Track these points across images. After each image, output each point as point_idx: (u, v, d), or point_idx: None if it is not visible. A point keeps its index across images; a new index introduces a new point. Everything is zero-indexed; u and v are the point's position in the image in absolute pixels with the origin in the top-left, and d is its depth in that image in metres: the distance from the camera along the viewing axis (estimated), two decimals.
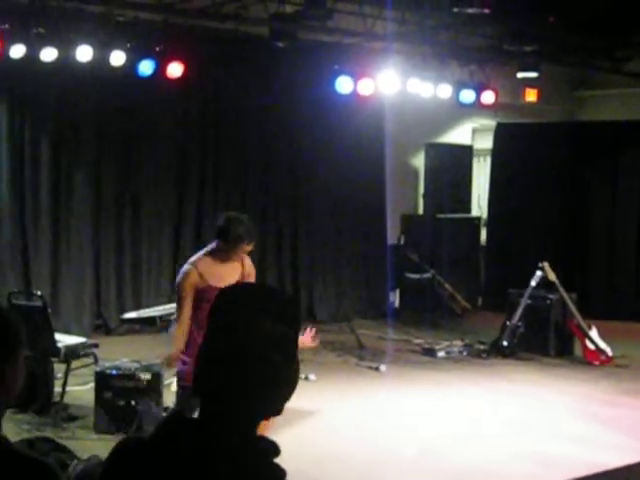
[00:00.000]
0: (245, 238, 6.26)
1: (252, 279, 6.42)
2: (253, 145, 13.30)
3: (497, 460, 7.40)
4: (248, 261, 6.54)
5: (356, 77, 12.28)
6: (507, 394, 9.68)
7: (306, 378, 9.50)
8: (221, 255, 6.30)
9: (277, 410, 2.22)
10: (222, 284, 5.79)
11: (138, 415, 7.50)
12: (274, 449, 2.17)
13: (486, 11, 11.30)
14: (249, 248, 6.39)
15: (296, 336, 2.25)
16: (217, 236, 6.34)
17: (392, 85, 12.46)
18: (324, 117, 13.42)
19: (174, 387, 8.32)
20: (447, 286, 13.34)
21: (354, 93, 12.44)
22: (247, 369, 2.16)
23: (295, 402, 2.31)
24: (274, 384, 2.18)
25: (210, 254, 6.33)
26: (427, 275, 13.41)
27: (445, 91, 13.11)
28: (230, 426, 2.16)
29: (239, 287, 2.46)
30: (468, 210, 15.75)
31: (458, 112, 14.85)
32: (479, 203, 16.14)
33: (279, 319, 2.20)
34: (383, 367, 10.57)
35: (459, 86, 13.25)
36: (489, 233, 15.96)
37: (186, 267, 6.30)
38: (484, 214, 16.04)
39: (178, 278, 6.33)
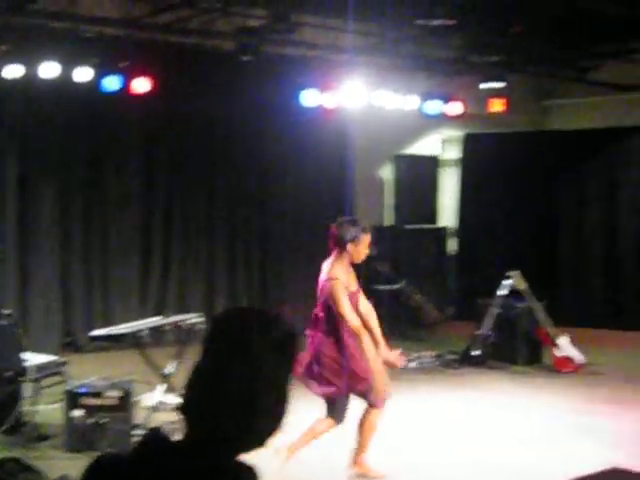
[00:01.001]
0: (362, 234, 6.78)
1: None
2: (219, 159, 13.31)
3: (476, 474, 7.42)
4: None
5: (321, 90, 12.33)
6: (479, 403, 9.73)
7: None
8: (346, 261, 6.77)
9: (260, 442, 2.20)
10: (355, 288, 6.74)
11: (108, 433, 7.48)
12: (253, 475, 2.17)
13: (450, 23, 11.42)
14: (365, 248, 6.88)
15: (288, 371, 2.24)
16: (337, 244, 6.78)
17: (357, 97, 12.51)
18: (290, 130, 13.44)
19: (144, 404, 8.37)
20: (417, 297, 13.40)
21: (319, 106, 12.51)
22: (233, 397, 2.15)
23: None
24: (259, 415, 2.17)
25: (339, 263, 6.77)
26: (397, 286, 13.44)
27: (411, 103, 13.21)
28: (209, 450, 2.15)
29: (244, 312, 2.35)
30: (434, 221, 15.83)
31: (425, 123, 14.92)
32: (446, 214, 16.23)
33: (276, 352, 2.20)
34: None
35: (425, 97, 13.34)
36: (459, 243, 16.09)
37: (333, 283, 6.69)
38: (451, 224, 16.16)
39: (334, 296, 6.65)
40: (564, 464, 7.43)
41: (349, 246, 6.79)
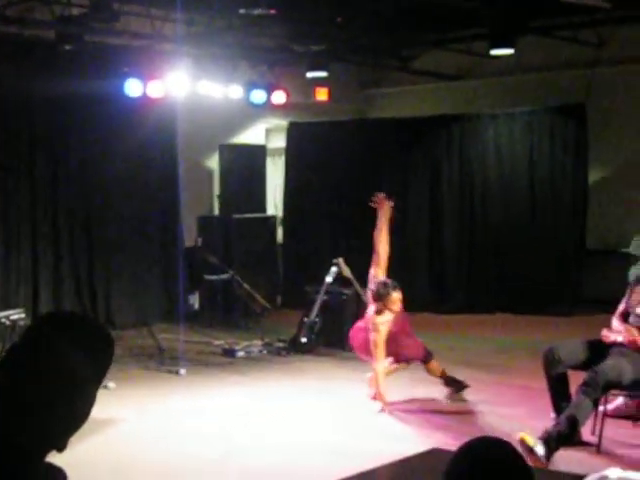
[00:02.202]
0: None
1: None
2: (40, 151, 13.03)
3: (301, 455, 7.56)
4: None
5: (145, 79, 12.23)
6: (305, 389, 9.84)
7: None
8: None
9: (60, 444, 2.15)
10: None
11: None
12: (61, 476, 2.16)
13: (272, 12, 11.55)
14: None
15: (96, 374, 2.20)
16: None
17: (182, 87, 12.48)
18: (114, 121, 13.24)
19: None
20: (246, 286, 13.34)
21: (144, 95, 12.39)
22: (25, 392, 2.09)
23: (94, 412, 2.25)
24: (56, 416, 2.11)
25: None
26: (226, 276, 13.39)
27: (236, 92, 13.27)
28: (12, 448, 2.07)
29: (50, 315, 2.28)
30: (264, 209, 15.88)
31: (250, 112, 14.95)
32: (275, 202, 16.32)
33: (85, 353, 2.15)
34: (183, 371, 10.53)
35: (250, 87, 13.40)
36: (285, 232, 16.16)
37: None
38: (280, 213, 16.25)
39: None
40: (389, 446, 7.56)
41: None
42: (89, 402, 2.17)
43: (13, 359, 2.14)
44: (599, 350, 7.23)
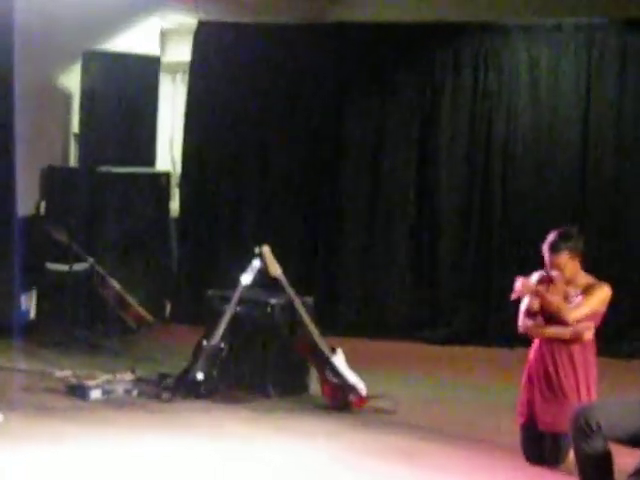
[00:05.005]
0: None
1: None
2: None
3: None
4: None
5: None
6: (195, 466, 9.42)
7: None
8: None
9: None
10: None
11: None
12: None
13: None
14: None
15: None
16: None
17: None
18: None
19: None
20: (114, 284, 13.42)
21: None
22: None
23: None
24: None
25: None
26: (82, 266, 13.50)
27: None
28: None
29: None
30: (151, 162, 15.81)
31: (137, 4, 15.22)
32: (171, 151, 16.51)
33: None
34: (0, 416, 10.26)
35: None
36: (184, 198, 16.22)
37: None
38: (177, 168, 16.35)
39: None
40: None
41: None
42: None
43: None
44: None
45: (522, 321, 9.49)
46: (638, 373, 13.51)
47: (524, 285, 9.36)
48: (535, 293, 9.36)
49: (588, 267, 9.48)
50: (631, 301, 14.10)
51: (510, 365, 12.81)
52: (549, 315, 9.36)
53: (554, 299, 9.29)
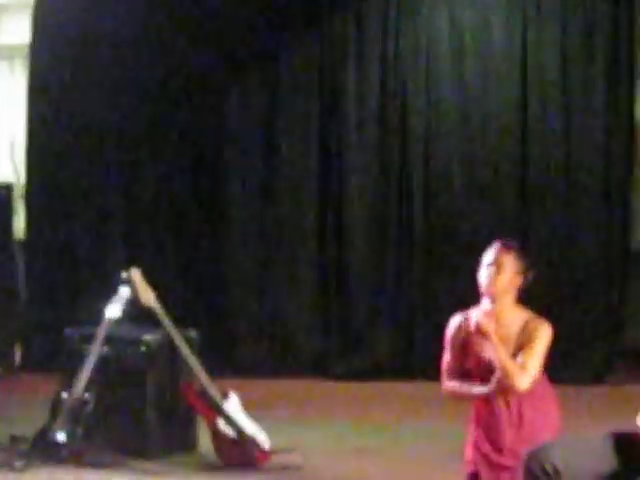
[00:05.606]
0: None
1: None
2: None
3: None
4: None
5: None
6: None
7: None
8: None
9: None
10: None
11: None
12: None
13: None
14: None
15: None
16: None
17: None
18: None
19: None
20: None
21: None
22: None
23: None
24: None
25: None
26: None
27: None
28: None
29: None
30: None
31: None
32: (12, 157, 16.25)
33: None
34: None
35: None
36: (31, 217, 15.82)
37: None
38: (21, 179, 16.00)
39: None
40: None
41: None
42: None
43: None
44: (634, 455, 7.26)
45: (446, 383, 9.17)
46: (587, 400, 13.67)
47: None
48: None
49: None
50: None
51: (442, 402, 11.65)
52: (485, 371, 8.75)
53: (506, 356, 8.59)
